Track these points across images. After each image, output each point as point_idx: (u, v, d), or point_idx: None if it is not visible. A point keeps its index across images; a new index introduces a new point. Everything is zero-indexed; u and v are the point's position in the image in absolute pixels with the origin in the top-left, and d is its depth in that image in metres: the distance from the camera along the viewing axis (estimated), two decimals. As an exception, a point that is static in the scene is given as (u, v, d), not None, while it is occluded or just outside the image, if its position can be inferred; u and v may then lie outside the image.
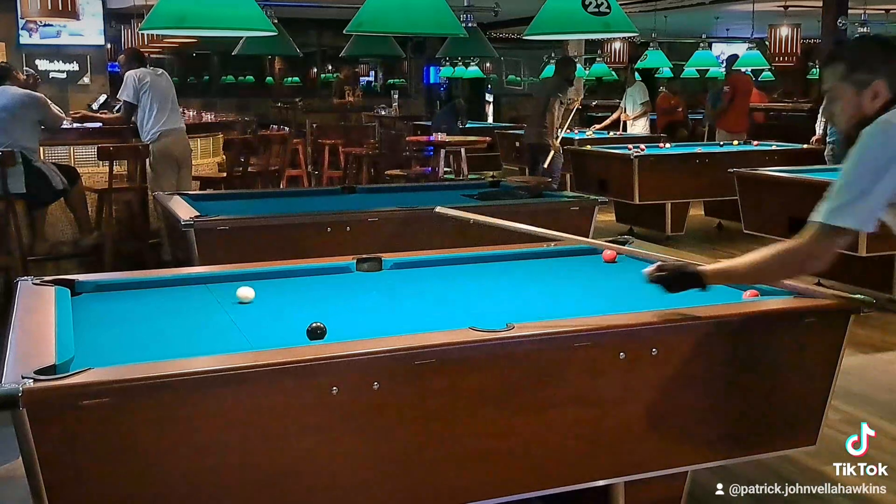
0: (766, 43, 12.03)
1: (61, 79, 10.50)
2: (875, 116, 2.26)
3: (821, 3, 9.22)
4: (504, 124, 14.22)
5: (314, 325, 2.35)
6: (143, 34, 10.76)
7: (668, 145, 9.02)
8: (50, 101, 6.18)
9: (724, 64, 11.11)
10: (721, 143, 9.18)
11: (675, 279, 2.52)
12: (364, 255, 3.34)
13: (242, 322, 2.62)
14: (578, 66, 12.79)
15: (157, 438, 1.99)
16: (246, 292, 2.81)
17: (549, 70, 14.23)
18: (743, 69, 11.33)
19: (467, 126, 10.97)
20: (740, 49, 13.15)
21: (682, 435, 2.56)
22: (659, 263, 2.59)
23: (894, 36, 3.00)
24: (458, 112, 10.83)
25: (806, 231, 2.28)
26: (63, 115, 6.37)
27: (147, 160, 6.39)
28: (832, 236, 2.25)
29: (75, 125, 6.96)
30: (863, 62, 2.33)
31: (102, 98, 8.43)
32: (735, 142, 9.16)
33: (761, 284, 2.73)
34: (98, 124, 6.99)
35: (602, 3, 3.69)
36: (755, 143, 8.99)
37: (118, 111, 7.12)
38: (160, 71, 6.81)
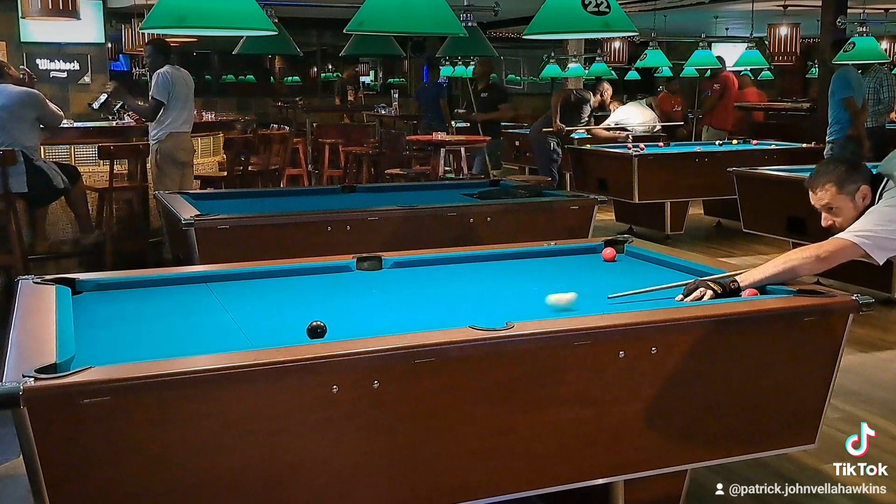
0: (766, 42, 12.04)
1: (62, 78, 10.49)
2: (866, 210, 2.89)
3: (820, 3, 9.22)
4: (504, 123, 14.21)
5: (315, 323, 2.35)
6: (143, 34, 10.76)
7: (667, 144, 9.03)
8: (47, 99, 6.17)
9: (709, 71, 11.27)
10: (720, 142, 9.19)
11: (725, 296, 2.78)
12: (364, 254, 3.35)
13: (243, 321, 2.62)
14: (578, 65, 12.81)
15: (158, 437, 1.99)
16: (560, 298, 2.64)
17: (549, 69, 14.25)
18: (740, 68, 11.35)
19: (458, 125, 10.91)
20: (737, 49, 13.17)
21: (681, 434, 2.57)
22: (699, 290, 2.77)
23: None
24: (442, 115, 10.75)
25: (831, 243, 2.80)
26: (61, 112, 6.35)
27: (154, 159, 6.38)
28: (852, 254, 2.78)
29: (76, 124, 6.95)
30: (847, 177, 2.95)
31: (103, 97, 8.40)
32: (734, 141, 9.16)
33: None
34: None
35: (602, 3, 3.69)
36: (754, 142, 8.99)
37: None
38: (183, 70, 6.65)
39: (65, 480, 1.93)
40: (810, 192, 3.04)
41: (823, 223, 3.02)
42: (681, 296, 2.77)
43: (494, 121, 9.90)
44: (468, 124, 10.28)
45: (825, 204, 2.98)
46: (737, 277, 2.81)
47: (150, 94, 6.49)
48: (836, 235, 2.83)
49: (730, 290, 2.76)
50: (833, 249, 2.79)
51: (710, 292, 2.73)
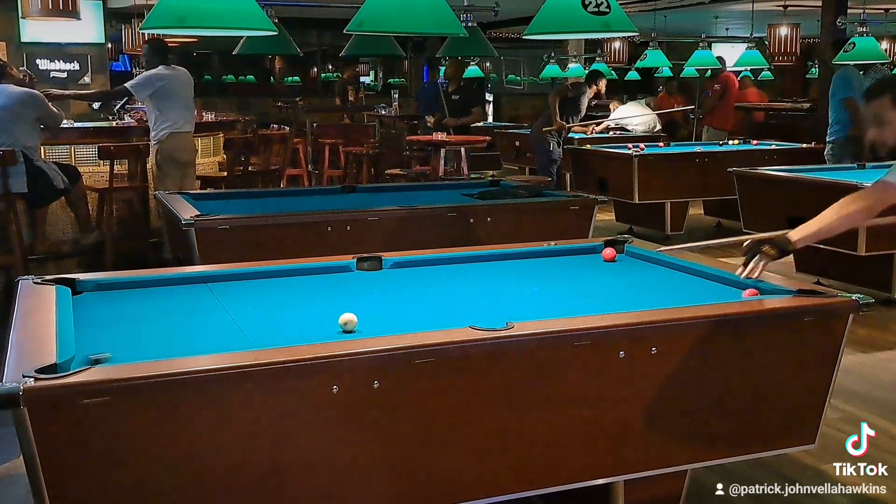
0: (766, 42, 12.05)
1: (62, 78, 10.50)
2: None
3: (820, 3, 9.22)
4: (504, 123, 14.22)
5: None
6: (143, 34, 10.76)
7: (667, 144, 9.03)
8: (47, 100, 6.16)
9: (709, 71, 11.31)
10: (721, 142, 9.19)
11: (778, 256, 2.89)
12: (364, 255, 3.35)
13: (243, 321, 2.62)
14: (578, 65, 12.84)
15: (158, 437, 1.99)
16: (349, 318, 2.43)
17: (549, 70, 14.27)
18: (741, 69, 11.35)
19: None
20: (737, 49, 13.20)
21: (681, 434, 2.57)
22: (755, 260, 2.87)
23: None
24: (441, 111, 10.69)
25: (873, 187, 2.92)
26: (61, 112, 6.34)
27: (154, 159, 6.38)
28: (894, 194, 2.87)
29: (76, 124, 6.95)
30: None
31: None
32: (734, 141, 9.16)
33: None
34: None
35: (602, 3, 3.70)
36: (755, 142, 8.99)
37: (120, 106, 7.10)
38: (180, 69, 6.61)
39: (65, 480, 1.93)
40: (864, 102, 3.13)
41: (869, 136, 3.11)
42: (741, 268, 2.88)
43: (466, 125, 9.81)
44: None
45: (876, 113, 3.04)
46: (788, 234, 2.89)
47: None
48: (877, 180, 2.92)
49: (786, 250, 2.88)
50: (877, 193, 2.90)
51: (765, 260, 2.85)
